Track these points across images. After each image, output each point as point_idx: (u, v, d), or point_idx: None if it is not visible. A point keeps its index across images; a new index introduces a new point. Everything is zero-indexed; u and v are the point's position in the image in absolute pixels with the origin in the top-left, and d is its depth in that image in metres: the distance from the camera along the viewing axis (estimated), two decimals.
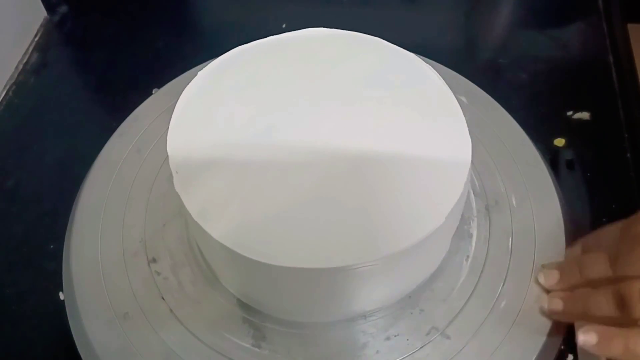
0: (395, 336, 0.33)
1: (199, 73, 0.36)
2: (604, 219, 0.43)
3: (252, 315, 0.34)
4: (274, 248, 0.29)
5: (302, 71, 0.36)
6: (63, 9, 0.62)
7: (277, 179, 0.31)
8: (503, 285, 0.35)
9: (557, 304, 0.33)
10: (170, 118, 0.34)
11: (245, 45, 0.38)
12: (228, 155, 0.32)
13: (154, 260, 0.37)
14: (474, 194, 0.40)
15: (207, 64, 0.37)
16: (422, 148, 0.32)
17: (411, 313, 0.34)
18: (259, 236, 0.29)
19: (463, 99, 0.43)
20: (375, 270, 0.29)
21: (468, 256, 0.37)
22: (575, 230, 0.38)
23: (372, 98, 0.35)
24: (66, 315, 0.37)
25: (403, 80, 0.36)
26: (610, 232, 0.34)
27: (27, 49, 0.58)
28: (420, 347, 0.33)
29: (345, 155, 0.32)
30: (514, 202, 0.39)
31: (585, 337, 0.30)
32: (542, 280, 0.35)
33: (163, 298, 0.36)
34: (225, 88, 0.36)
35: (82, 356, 0.35)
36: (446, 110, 0.34)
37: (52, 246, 0.43)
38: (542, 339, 0.33)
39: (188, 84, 0.36)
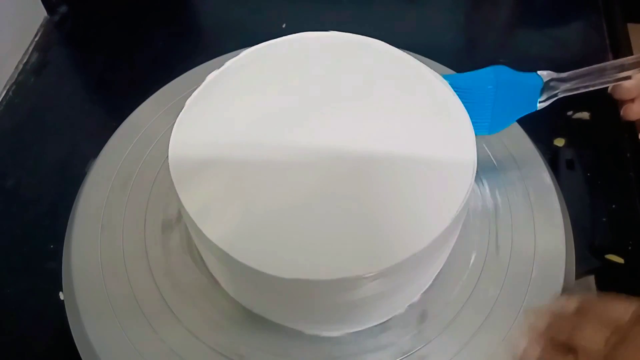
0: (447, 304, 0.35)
1: (207, 77, 0.36)
2: (604, 219, 0.43)
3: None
4: (280, 259, 0.29)
5: (304, 74, 0.36)
6: (63, 9, 0.62)
7: (279, 181, 0.31)
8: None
9: None
10: (175, 119, 0.34)
11: (249, 48, 0.38)
12: (227, 158, 0.32)
13: (155, 261, 0.37)
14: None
15: (209, 64, 0.37)
16: (425, 149, 0.32)
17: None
18: (260, 245, 0.29)
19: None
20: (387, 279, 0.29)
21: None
22: (576, 230, 0.38)
23: (370, 100, 0.35)
24: (66, 315, 0.37)
25: (400, 82, 0.35)
26: (618, 310, 0.30)
27: (27, 49, 0.58)
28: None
29: (346, 158, 0.32)
30: (513, 203, 0.39)
31: None
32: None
33: (164, 299, 0.36)
34: (227, 93, 0.35)
35: (82, 356, 0.35)
36: (448, 110, 0.34)
37: (52, 246, 0.42)
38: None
39: (188, 84, 0.36)
